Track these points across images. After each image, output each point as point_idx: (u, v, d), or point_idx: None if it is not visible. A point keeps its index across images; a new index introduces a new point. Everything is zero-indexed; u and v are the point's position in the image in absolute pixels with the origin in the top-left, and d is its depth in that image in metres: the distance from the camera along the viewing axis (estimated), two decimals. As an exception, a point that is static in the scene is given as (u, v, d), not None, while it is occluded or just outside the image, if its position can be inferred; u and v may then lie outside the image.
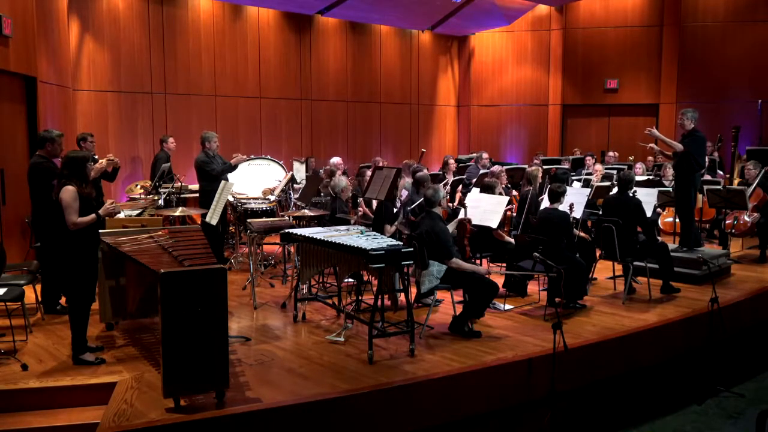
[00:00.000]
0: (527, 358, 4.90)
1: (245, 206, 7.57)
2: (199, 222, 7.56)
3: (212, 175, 7.56)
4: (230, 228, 8.93)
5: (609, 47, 14.51)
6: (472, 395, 4.69)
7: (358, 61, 13.89)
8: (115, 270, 5.45)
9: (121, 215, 6.44)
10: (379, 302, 5.08)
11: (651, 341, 5.69)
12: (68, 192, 4.60)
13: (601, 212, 7.27)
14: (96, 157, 6.67)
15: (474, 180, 9.20)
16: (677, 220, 7.89)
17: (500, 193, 7.24)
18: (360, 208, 8.15)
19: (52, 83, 8.42)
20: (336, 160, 9.58)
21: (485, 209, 6.87)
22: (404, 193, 7.56)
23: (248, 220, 7.03)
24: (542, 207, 6.89)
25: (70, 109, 9.54)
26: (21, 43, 7.27)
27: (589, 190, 7.92)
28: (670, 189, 8.54)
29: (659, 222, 8.91)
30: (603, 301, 6.56)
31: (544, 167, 9.60)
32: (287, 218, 7.36)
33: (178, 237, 5.06)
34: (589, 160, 11.12)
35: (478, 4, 13.56)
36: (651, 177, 10.05)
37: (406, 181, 7.68)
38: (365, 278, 6.44)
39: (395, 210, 6.91)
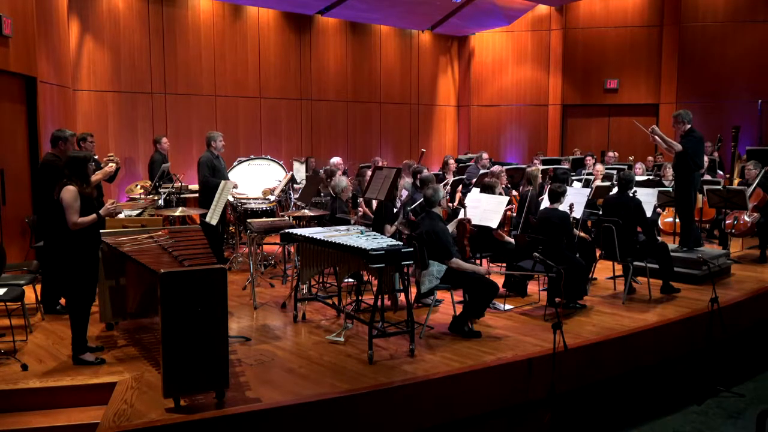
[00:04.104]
0: (527, 358, 4.90)
1: (245, 206, 7.57)
2: (199, 222, 7.56)
3: (201, 180, 7.59)
4: (230, 228, 8.92)
5: (609, 47, 14.51)
6: (472, 395, 4.69)
7: (358, 61, 13.89)
8: (115, 270, 5.45)
9: (121, 215, 6.44)
10: (379, 302, 5.08)
11: (651, 341, 5.69)
12: (69, 192, 4.61)
13: (601, 212, 7.27)
14: (96, 157, 6.66)
15: (474, 180, 9.20)
16: (677, 220, 7.89)
17: (500, 193, 7.24)
18: (360, 208, 8.15)
19: (52, 83, 8.41)
20: (336, 160, 9.58)
21: (485, 209, 6.87)
22: (404, 193, 7.56)
23: (248, 220, 7.03)
24: (542, 207, 6.89)
25: (70, 109, 9.54)
26: (21, 43, 7.26)
27: (589, 190, 7.92)
28: (670, 189, 8.54)
29: (659, 222, 8.91)
30: (603, 301, 6.56)
31: (544, 167, 9.60)
32: (287, 218, 7.36)
33: (178, 237, 5.07)
34: (589, 160, 11.12)
35: (478, 4, 13.56)
36: (651, 177, 10.05)
37: (406, 181, 7.68)
38: (365, 278, 6.44)
39: (395, 210, 6.91)
